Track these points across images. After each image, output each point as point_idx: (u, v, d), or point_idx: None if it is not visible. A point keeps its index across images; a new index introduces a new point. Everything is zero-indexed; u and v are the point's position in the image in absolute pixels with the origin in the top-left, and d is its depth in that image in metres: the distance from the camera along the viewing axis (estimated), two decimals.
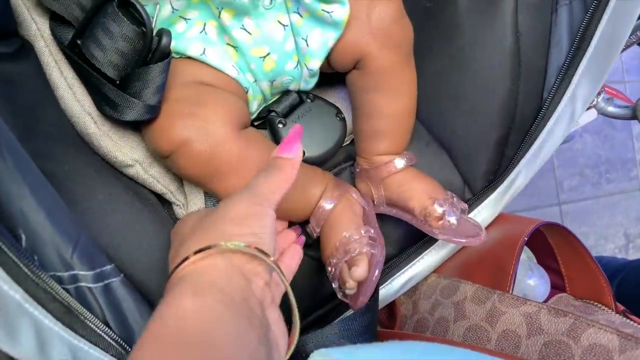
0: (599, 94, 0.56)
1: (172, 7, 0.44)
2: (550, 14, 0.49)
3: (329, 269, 0.46)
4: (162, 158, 0.43)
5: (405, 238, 0.55)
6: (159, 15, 0.44)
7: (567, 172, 1.62)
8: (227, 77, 0.46)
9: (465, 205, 0.51)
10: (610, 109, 0.56)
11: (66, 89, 0.42)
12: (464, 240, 0.48)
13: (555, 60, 0.50)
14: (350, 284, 0.44)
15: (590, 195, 1.63)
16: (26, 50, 0.40)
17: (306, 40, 0.47)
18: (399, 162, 0.51)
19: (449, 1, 0.52)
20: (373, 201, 0.53)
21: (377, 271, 0.43)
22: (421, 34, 0.53)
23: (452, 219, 0.48)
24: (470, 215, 0.54)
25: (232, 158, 0.43)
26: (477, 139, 0.54)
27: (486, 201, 0.54)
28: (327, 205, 0.48)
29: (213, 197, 0.49)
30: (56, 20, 0.43)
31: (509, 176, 0.54)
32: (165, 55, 0.39)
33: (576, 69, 0.48)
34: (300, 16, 0.46)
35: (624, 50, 0.55)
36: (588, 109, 0.57)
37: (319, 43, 0.47)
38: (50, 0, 0.41)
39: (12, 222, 0.27)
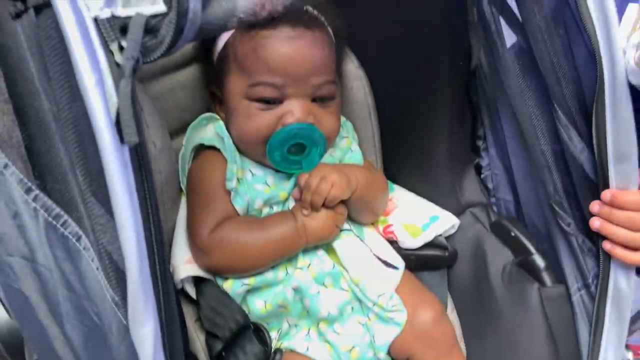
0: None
1: (290, 324, 0.64)
2: (571, 310, 0.62)
3: None
4: None
5: None
6: (283, 329, 0.64)
7: None
8: None
9: None
10: None
11: None
12: None
13: (583, 335, 0.62)
14: None
15: None
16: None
17: (374, 336, 0.64)
18: None
19: (491, 295, 0.68)
20: None
21: None
22: (473, 318, 0.69)
23: None
24: None
25: None
26: None
27: None
28: None
29: None
30: (209, 335, 0.64)
31: None
32: None
33: (599, 347, 0.60)
34: (374, 317, 0.65)
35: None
36: None
37: (384, 340, 0.64)
38: (213, 327, 0.62)
39: None
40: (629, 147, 0.54)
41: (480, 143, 0.75)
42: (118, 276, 0.40)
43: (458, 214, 0.74)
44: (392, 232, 0.71)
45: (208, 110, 0.68)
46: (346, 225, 0.67)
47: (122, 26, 0.32)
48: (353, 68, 0.73)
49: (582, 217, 0.60)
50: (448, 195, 0.74)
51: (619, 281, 0.58)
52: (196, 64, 0.70)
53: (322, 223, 0.62)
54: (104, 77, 0.31)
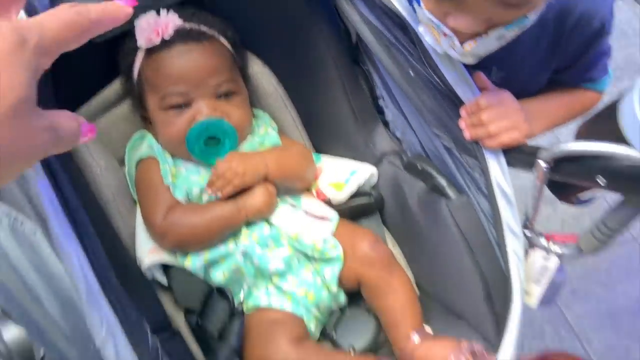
0: (550, 242, 0.75)
1: (248, 286, 0.76)
2: (476, 214, 0.73)
3: None
4: None
5: None
6: (245, 291, 0.76)
7: None
8: (286, 312, 0.74)
9: (478, 346, 0.67)
10: (565, 253, 0.73)
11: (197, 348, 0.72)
12: None
13: (490, 230, 0.72)
14: None
15: None
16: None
17: (323, 276, 0.75)
18: (415, 337, 0.72)
19: (415, 223, 0.79)
20: None
21: None
22: (409, 246, 0.81)
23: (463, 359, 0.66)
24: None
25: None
26: (473, 303, 0.73)
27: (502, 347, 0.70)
28: None
29: None
30: (186, 312, 0.76)
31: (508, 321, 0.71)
32: (240, 320, 0.69)
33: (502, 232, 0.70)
34: (317, 261, 0.76)
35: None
36: (547, 259, 0.75)
37: (331, 276, 0.75)
38: (187, 302, 0.74)
39: None
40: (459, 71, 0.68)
41: (381, 102, 0.87)
42: None
43: (377, 164, 0.85)
44: (322, 192, 0.83)
45: None
46: (279, 199, 0.79)
47: None
48: (258, 68, 0.87)
49: (456, 133, 0.71)
50: (364, 152, 0.86)
51: (496, 170, 0.69)
52: (128, 100, 0.84)
53: (258, 198, 0.75)
54: None
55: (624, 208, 0.64)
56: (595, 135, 0.67)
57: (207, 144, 0.74)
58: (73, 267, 0.47)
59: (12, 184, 0.54)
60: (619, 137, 0.63)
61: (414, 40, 0.69)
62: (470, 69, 0.73)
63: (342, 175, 0.83)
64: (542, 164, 0.65)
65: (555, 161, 0.64)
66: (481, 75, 0.69)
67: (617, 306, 1.74)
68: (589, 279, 1.80)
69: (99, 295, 0.48)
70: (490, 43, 0.60)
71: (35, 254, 0.55)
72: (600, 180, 0.61)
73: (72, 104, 0.81)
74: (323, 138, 0.90)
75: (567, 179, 0.66)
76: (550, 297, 0.83)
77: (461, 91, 0.69)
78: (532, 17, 0.58)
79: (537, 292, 0.79)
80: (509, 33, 0.59)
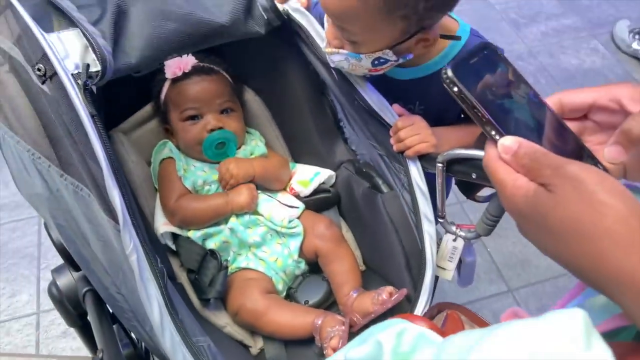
0: (458, 229, 1.00)
1: (234, 252, 1.03)
2: (402, 206, 0.99)
3: (324, 345, 0.90)
4: (235, 316, 0.96)
5: None
6: (231, 257, 1.03)
7: None
8: (260, 272, 1.01)
9: (393, 290, 0.93)
10: (468, 235, 0.98)
11: (194, 296, 0.99)
12: (393, 298, 0.90)
13: (412, 221, 0.98)
14: (329, 352, 0.87)
15: None
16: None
17: (289, 247, 1.02)
18: (354, 294, 0.97)
19: (360, 213, 1.06)
20: (355, 322, 0.97)
21: (341, 342, 0.87)
22: (357, 231, 1.07)
23: (383, 295, 0.91)
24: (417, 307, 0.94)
25: (264, 307, 0.94)
26: (398, 272, 0.99)
27: (417, 307, 0.95)
28: (318, 320, 0.94)
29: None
30: (188, 271, 1.03)
31: (422, 283, 0.96)
32: (225, 272, 0.96)
33: (420, 221, 0.96)
34: (285, 236, 1.03)
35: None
36: (455, 240, 1.01)
37: (294, 247, 1.02)
38: (188, 263, 1.02)
39: None
40: (380, 102, 0.95)
41: (342, 124, 1.15)
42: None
43: (335, 169, 1.13)
44: (293, 189, 1.11)
45: None
46: (260, 192, 1.07)
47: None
48: (251, 96, 1.17)
49: (387, 147, 0.98)
50: (327, 160, 1.14)
51: (414, 172, 0.95)
52: (155, 118, 1.15)
53: (242, 198, 1.03)
54: (78, 93, 0.75)
55: (497, 198, 0.90)
56: (478, 145, 0.94)
57: (217, 148, 1.04)
58: (116, 204, 0.75)
59: (77, 162, 0.83)
60: None
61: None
62: (395, 101, 1.01)
63: (308, 175, 1.11)
64: (439, 165, 0.92)
65: (447, 163, 0.91)
66: (396, 106, 0.97)
67: None
68: (536, 296, 2.00)
69: (130, 225, 0.76)
70: (339, 58, 0.86)
71: (88, 210, 0.83)
72: (474, 175, 0.87)
73: (116, 121, 1.12)
74: (298, 150, 1.19)
75: (456, 176, 0.92)
76: (467, 276, 1.07)
77: (385, 116, 0.96)
78: (366, 59, 0.85)
79: (450, 267, 1.05)
80: (353, 61, 0.86)
